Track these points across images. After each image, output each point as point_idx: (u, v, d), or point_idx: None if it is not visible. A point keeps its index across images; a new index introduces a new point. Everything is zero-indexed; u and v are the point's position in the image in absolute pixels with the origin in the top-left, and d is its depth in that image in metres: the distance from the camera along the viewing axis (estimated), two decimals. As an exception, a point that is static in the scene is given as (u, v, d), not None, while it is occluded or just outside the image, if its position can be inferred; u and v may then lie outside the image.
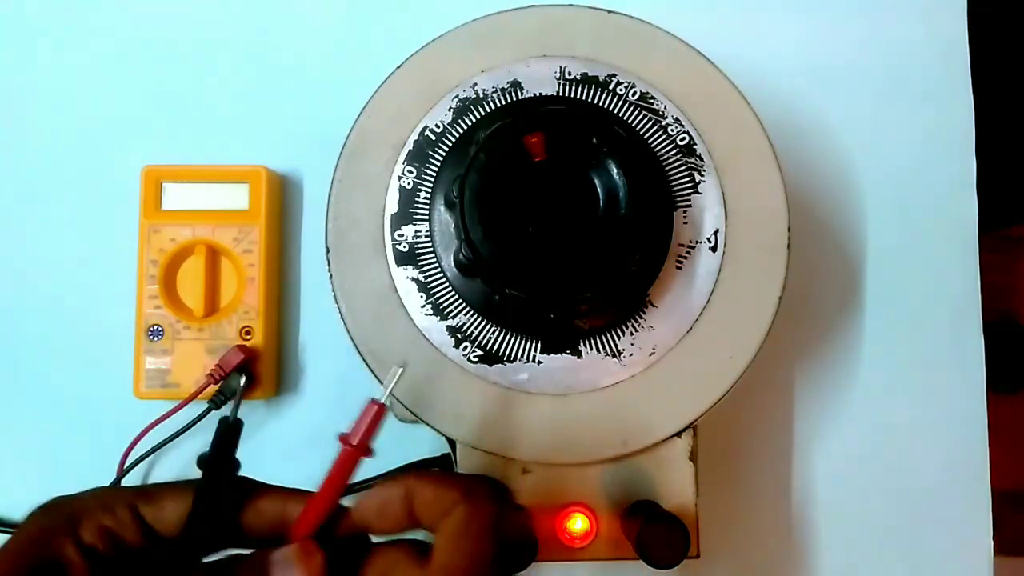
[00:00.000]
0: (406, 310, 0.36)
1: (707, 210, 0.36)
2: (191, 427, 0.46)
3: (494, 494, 0.28)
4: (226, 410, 0.46)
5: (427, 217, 0.36)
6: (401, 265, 0.36)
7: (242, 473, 0.50)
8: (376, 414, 0.30)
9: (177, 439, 0.46)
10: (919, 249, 0.51)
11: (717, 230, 0.36)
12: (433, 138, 0.37)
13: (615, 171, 0.33)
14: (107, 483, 0.46)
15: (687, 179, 0.36)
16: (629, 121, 0.36)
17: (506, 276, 0.33)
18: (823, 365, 0.50)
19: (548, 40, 0.38)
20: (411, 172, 0.36)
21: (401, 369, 0.30)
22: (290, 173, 0.51)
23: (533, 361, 0.35)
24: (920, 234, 0.51)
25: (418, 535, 0.29)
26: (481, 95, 0.37)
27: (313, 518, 0.28)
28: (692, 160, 0.36)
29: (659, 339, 0.35)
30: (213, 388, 0.46)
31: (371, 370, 0.36)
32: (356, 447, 0.29)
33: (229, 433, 0.30)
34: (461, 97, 0.37)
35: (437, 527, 0.27)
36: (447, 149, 0.36)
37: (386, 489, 0.29)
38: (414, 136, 0.37)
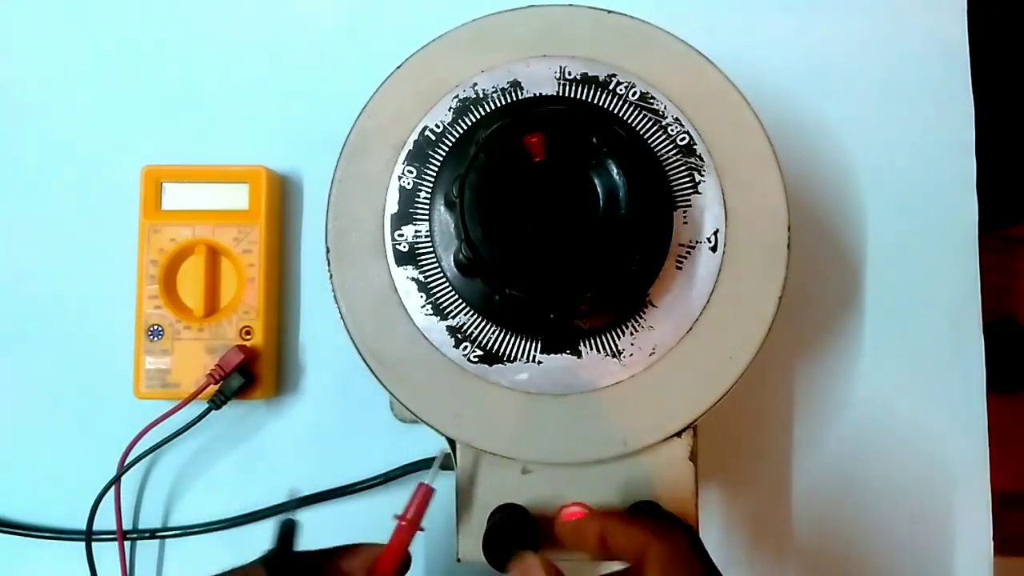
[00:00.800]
0: (406, 310, 0.36)
1: (707, 210, 0.36)
2: (191, 427, 0.46)
3: (685, 531, 0.32)
4: (225, 409, 0.46)
5: (427, 217, 0.36)
6: (401, 265, 0.36)
7: (242, 474, 0.50)
8: (424, 495, 0.35)
9: (177, 439, 0.46)
10: (919, 249, 0.51)
11: (717, 230, 0.36)
12: (433, 138, 0.37)
13: (615, 171, 0.33)
14: (107, 480, 0.46)
15: (687, 179, 0.36)
16: (629, 121, 0.36)
17: (506, 276, 0.33)
18: (823, 365, 0.50)
19: (548, 40, 0.38)
20: (411, 172, 0.36)
21: (447, 452, 0.35)
22: (290, 173, 0.51)
23: (533, 361, 0.35)
24: (920, 234, 0.51)
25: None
26: (481, 95, 0.37)
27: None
28: (692, 160, 0.36)
29: (659, 339, 0.35)
30: (213, 388, 0.46)
31: (371, 370, 0.36)
32: (410, 522, 0.34)
33: (289, 534, 0.34)
34: (461, 97, 0.37)
35: (632, 561, 0.32)
36: (447, 149, 0.36)
37: (587, 521, 0.34)
38: (414, 136, 0.37)
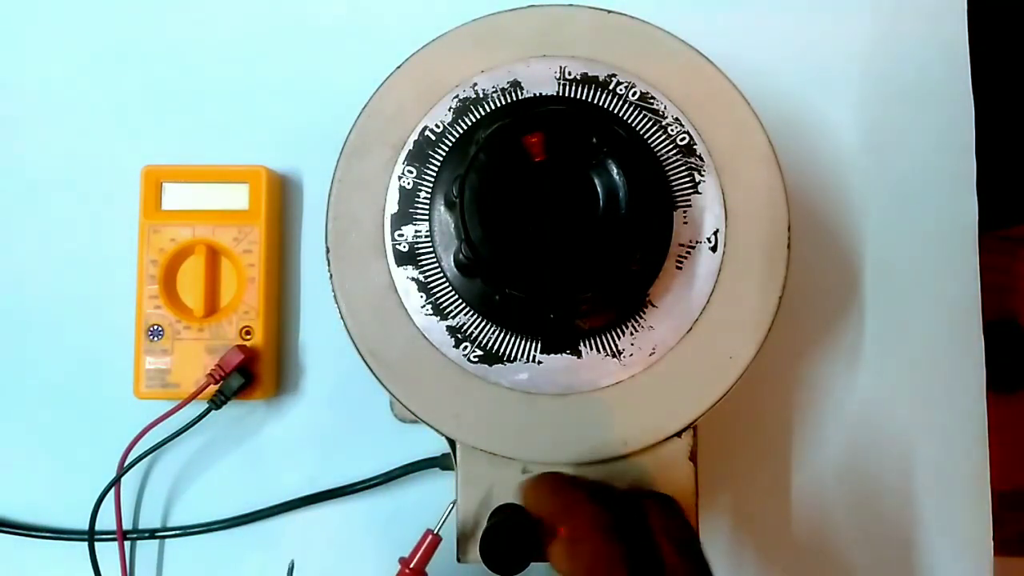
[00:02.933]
0: (406, 310, 0.36)
1: (707, 210, 0.36)
2: (191, 427, 0.46)
3: (595, 504, 0.31)
4: (225, 409, 0.46)
5: (427, 217, 0.36)
6: (401, 265, 0.36)
7: (242, 474, 0.51)
8: (431, 543, 0.36)
9: (177, 439, 0.46)
10: (919, 249, 0.51)
11: (717, 230, 0.36)
12: (433, 138, 0.37)
13: (615, 171, 0.33)
14: (107, 480, 0.46)
15: (687, 179, 0.36)
16: (629, 121, 0.36)
17: (506, 276, 0.33)
18: (823, 365, 0.50)
19: (548, 40, 0.38)
20: (411, 172, 0.36)
21: (453, 504, 0.35)
22: (290, 173, 0.51)
23: (533, 361, 0.35)
24: (920, 234, 0.51)
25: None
26: (481, 95, 0.37)
27: None
28: (692, 160, 0.36)
29: (659, 339, 0.35)
30: (213, 388, 0.46)
31: (371, 370, 0.36)
32: (412, 570, 0.35)
33: None
34: (461, 97, 0.37)
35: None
36: (447, 149, 0.36)
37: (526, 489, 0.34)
38: (414, 136, 0.37)
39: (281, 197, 0.50)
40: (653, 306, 0.35)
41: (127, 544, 0.48)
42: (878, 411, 0.50)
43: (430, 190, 0.36)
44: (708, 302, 0.36)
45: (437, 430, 0.36)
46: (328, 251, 0.36)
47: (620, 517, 0.30)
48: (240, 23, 0.52)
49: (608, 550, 0.29)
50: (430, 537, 0.35)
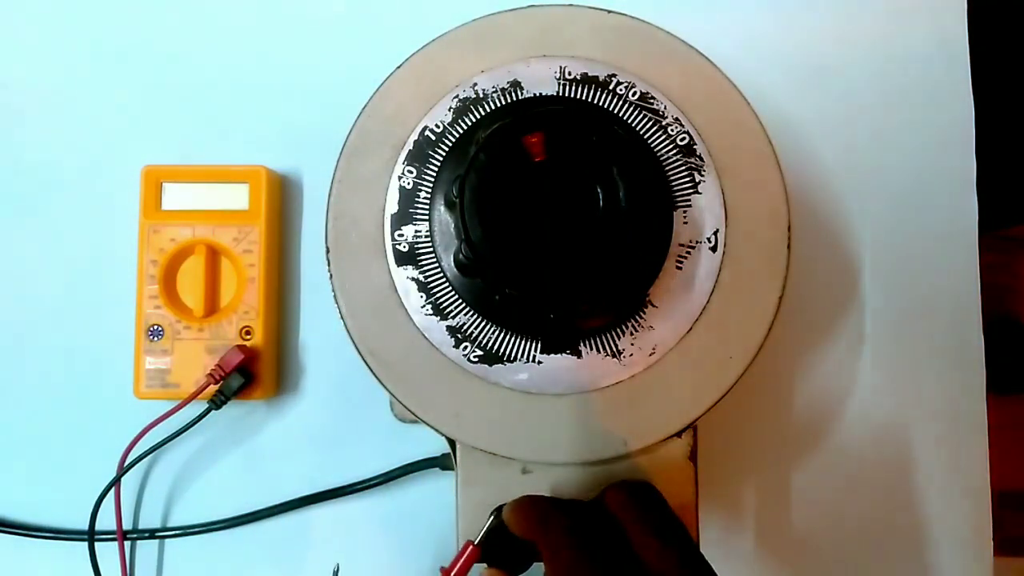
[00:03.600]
0: (406, 310, 0.36)
1: (707, 210, 0.36)
2: (191, 427, 0.46)
3: (564, 516, 0.32)
4: (225, 409, 0.46)
5: (427, 217, 0.36)
6: (401, 265, 0.36)
7: (242, 474, 0.51)
8: (471, 554, 0.35)
9: (177, 439, 0.46)
10: (919, 249, 0.51)
11: (717, 230, 0.36)
12: (433, 138, 0.37)
13: (615, 171, 0.33)
14: (107, 480, 0.46)
15: (687, 179, 0.36)
16: (629, 121, 0.36)
17: (506, 276, 0.33)
18: (823, 365, 0.50)
19: (548, 40, 0.38)
20: (411, 172, 0.36)
21: (492, 517, 0.35)
22: (290, 173, 0.51)
23: (533, 361, 0.35)
24: (920, 234, 0.51)
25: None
26: (481, 95, 0.37)
27: None
28: (692, 160, 0.36)
29: (659, 339, 0.35)
30: (213, 388, 0.46)
31: (371, 370, 0.36)
32: None
33: None
34: (461, 97, 0.37)
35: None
36: (447, 149, 0.36)
37: (506, 512, 0.34)
38: (414, 136, 0.37)
39: (281, 197, 0.50)
40: (653, 306, 0.35)
41: (127, 544, 0.48)
42: (878, 411, 0.50)
43: (430, 190, 0.36)
44: (708, 302, 0.36)
45: (437, 430, 0.36)
46: (328, 251, 0.36)
47: (581, 520, 0.31)
48: (240, 23, 0.52)
49: (574, 557, 0.30)
50: (470, 548, 0.35)
